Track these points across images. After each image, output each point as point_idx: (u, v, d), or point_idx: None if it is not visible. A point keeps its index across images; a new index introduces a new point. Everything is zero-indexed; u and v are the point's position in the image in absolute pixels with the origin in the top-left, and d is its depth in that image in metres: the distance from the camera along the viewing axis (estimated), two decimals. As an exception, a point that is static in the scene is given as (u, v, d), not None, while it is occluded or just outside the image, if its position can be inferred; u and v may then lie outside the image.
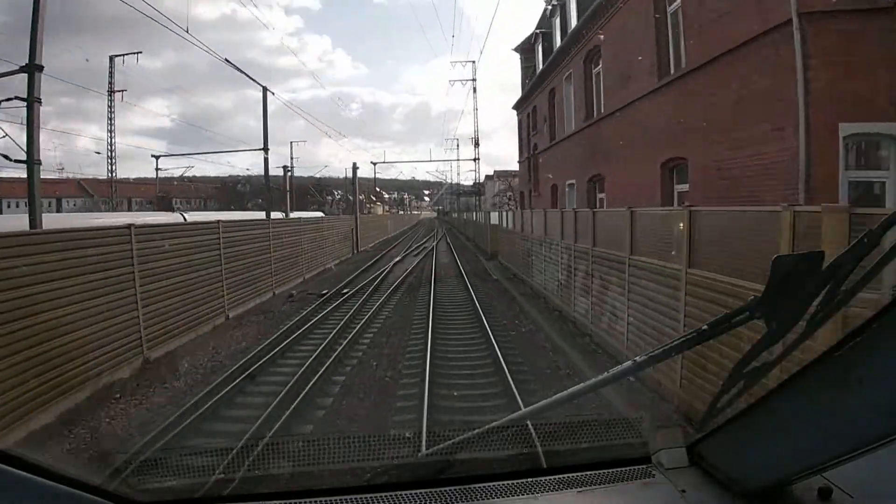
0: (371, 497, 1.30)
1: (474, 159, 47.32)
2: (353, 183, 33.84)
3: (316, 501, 1.31)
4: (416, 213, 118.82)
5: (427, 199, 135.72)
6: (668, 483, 1.31)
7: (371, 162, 47.46)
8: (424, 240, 43.31)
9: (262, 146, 20.56)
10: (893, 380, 0.84)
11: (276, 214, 22.73)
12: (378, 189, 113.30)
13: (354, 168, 33.25)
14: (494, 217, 26.93)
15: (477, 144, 45.39)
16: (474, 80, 45.15)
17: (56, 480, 1.06)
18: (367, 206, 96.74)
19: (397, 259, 25.56)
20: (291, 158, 46.28)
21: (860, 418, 0.91)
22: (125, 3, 11.12)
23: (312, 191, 57.10)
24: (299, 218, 20.91)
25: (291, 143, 52.04)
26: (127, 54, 37.27)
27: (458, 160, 52.69)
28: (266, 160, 21.49)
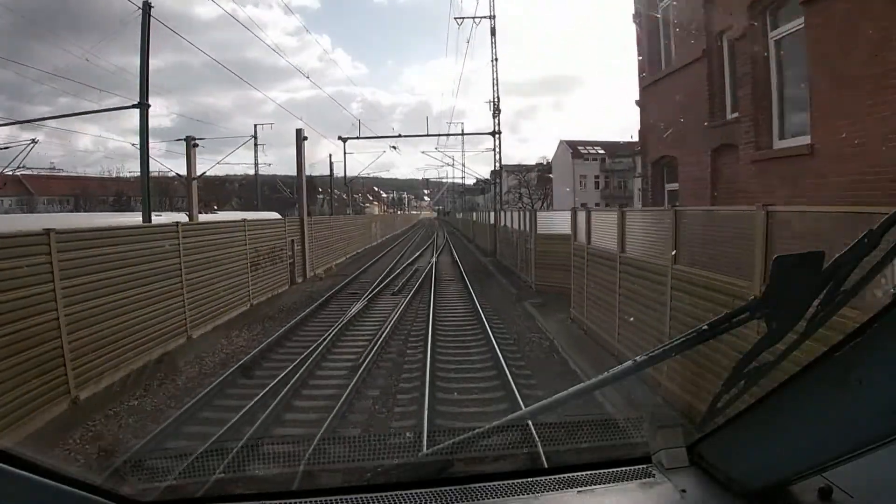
0: (371, 497, 1.30)
1: (493, 133, 31.02)
2: (298, 164, 19.95)
3: (316, 501, 1.31)
4: (414, 212, 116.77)
5: (427, 198, 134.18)
6: (668, 483, 1.31)
7: (340, 137, 35.48)
8: (419, 252, 29.70)
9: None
10: (893, 380, 0.85)
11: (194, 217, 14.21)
12: (375, 188, 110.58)
13: (300, 138, 19.76)
14: (547, 220, 14.89)
15: (497, 111, 30.87)
16: (493, 16, 31.37)
17: (56, 480, 1.06)
18: (364, 205, 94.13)
19: (355, 310, 12.09)
20: (256, 144, 39.17)
21: (860, 418, 0.91)
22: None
23: (280, 186, 50.09)
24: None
25: (256, 125, 41.44)
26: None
27: (464, 134, 38.98)
28: (144, 119, 12.84)
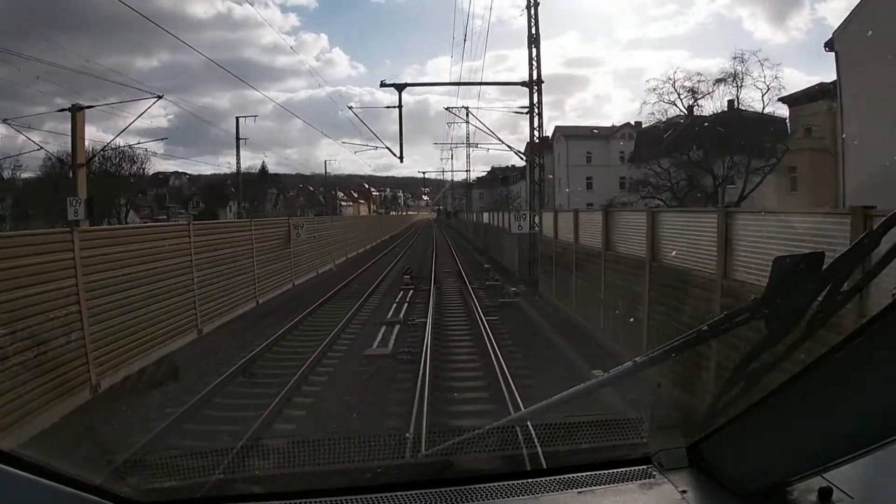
0: (371, 497, 1.30)
1: (530, 83, 18.79)
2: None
3: (316, 502, 1.31)
4: (411, 213, 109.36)
5: (426, 197, 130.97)
6: (667, 483, 1.31)
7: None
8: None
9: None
10: (893, 380, 0.85)
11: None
12: (366, 185, 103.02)
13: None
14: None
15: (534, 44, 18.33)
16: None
17: (56, 480, 1.07)
18: (344, 204, 79.44)
19: None
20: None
21: (860, 418, 0.92)
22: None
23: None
24: None
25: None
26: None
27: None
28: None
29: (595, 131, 36.19)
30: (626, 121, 36.90)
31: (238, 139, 33.44)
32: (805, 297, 1.07)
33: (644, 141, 30.14)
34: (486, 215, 34.79)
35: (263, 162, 59.41)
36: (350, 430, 5.96)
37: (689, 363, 5.81)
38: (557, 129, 40.40)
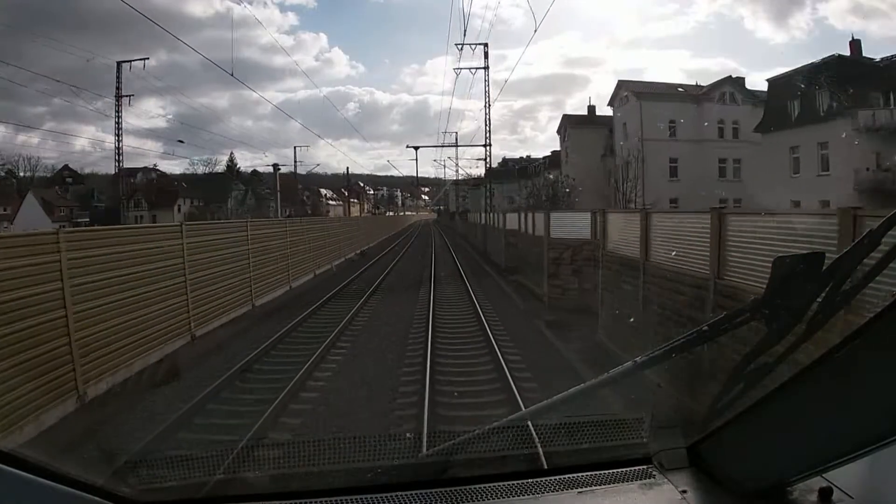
0: (372, 497, 1.31)
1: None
2: None
3: (317, 501, 1.31)
4: (409, 214, 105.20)
5: (425, 197, 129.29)
6: (668, 483, 1.31)
7: None
8: None
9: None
10: (893, 380, 0.85)
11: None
12: (361, 183, 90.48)
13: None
14: None
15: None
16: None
17: (56, 480, 1.07)
18: (330, 204, 71.71)
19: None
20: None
21: (860, 418, 0.92)
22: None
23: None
24: None
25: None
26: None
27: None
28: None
29: (680, 89, 24.38)
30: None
31: (119, 98, 31.67)
32: (805, 297, 1.08)
33: (790, 94, 17.67)
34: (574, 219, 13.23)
35: (231, 153, 55.12)
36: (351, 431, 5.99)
37: (689, 363, 5.80)
38: (622, 83, 27.48)
